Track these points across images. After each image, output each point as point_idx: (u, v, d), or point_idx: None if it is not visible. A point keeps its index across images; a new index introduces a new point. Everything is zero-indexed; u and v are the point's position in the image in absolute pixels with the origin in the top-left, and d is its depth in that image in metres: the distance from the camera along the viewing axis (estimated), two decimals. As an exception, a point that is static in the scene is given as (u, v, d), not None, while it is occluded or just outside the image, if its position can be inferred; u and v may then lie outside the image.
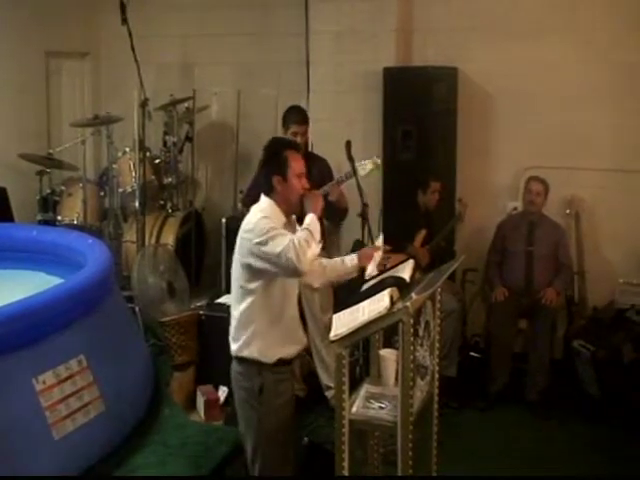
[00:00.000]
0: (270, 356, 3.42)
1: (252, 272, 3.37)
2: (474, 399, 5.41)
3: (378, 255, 3.55)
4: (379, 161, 4.79)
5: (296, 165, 3.44)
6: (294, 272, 3.28)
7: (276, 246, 3.23)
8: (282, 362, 3.46)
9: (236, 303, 3.50)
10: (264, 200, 3.47)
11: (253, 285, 3.39)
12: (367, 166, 4.71)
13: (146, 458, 4.19)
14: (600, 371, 5.13)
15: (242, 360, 3.48)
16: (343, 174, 4.98)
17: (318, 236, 3.34)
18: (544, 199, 5.62)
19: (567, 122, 5.80)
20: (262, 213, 3.38)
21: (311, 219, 3.38)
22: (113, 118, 6.35)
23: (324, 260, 3.63)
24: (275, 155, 3.48)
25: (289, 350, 3.50)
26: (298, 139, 5.13)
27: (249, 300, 3.42)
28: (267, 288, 3.39)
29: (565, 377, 5.43)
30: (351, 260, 3.58)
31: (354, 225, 5.01)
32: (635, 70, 5.62)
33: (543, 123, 5.87)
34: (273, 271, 3.31)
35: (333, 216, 5.27)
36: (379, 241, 3.69)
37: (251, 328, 3.44)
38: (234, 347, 3.51)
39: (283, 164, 3.42)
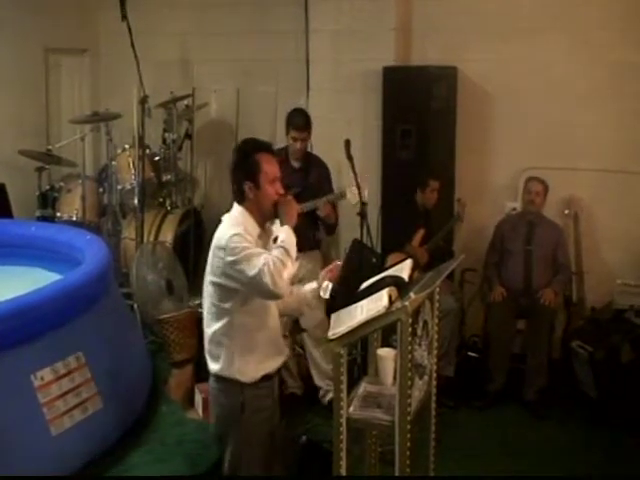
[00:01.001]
0: (252, 375, 3.25)
1: (225, 291, 3.18)
2: (472, 399, 5.41)
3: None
4: (365, 194, 4.63)
5: (269, 169, 3.20)
6: (270, 296, 3.12)
7: (250, 268, 3.02)
8: (265, 378, 3.30)
9: (209, 321, 3.28)
10: (236, 209, 3.27)
11: (227, 305, 3.19)
12: (357, 196, 4.62)
13: (143, 455, 4.19)
14: (598, 372, 5.13)
15: (222, 379, 3.29)
16: (334, 194, 5.00)
17: (294, 252, 3.15)
18: (543, 199, 5.62)
19: (566, 122, 5.80)
20: (233, 229, 3.14)
21: (286, 233, 3.16)
22: (112, 115, 6.34)
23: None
24: (245, 159, 3.24)
25: (272, 364, 3.34)
26: (298, 145, 5.11)
27: (224, 320, 3.22)
28: (244, 305, 3.19)
29: (563, 377, 5.43)
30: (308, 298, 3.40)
31: (353, 224, 5.01)
32: (634, 70, 5.62)
33: (542, 123, 5.87)
34: (247, 292, 3.14)
35: (323, 226, 5.28)
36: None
37: (229, 349, 3.24)
38: (213, 367, 3.30)
39: (254, 169, 3.19)
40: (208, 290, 3.26)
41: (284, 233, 3.17)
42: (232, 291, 3.15)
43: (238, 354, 3.23)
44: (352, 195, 4.73)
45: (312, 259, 5.20)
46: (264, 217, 3.25)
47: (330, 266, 3.41)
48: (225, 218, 3.27)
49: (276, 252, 3.08)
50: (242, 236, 3.10)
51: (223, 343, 3.24)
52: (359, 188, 4.56)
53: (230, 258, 3.08)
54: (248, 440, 3.31)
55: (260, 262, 3.02)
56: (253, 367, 3.25)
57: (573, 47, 5.76)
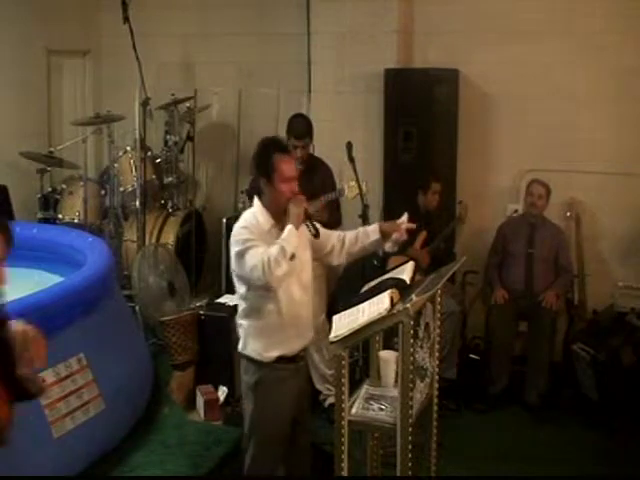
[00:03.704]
0: (267, 356, 3.44)
1: (239, 278, 3.44)
2: (473, 401, 5.40)
3: (399, 232, 3.54)
4: (364, 187, 4.72)
5: (285, 168, 3.41)
6: (265, 287, 3.32)
7: (247, 261, 3.27)
8: (284, 359, 3.46)
9: (238, 305, 3.58)
10: (255, 203, 3.51)
11: (242, 290, 3.45)
12: (354, 189, 4.68)
13: (145, 457, 4.19)
14: (600, 374, 5.13)
15: (243, 356, 3.54)
16: (332, 193, 4.99)
17: (291, 249, 3.26)
18: (546, 202, 5.61)
19: (567, 125, 5.80)
20: (243, 222, 3.41)
21: (288, 232, 3.31)
22: (114, 117, 6.34)
23: (343, 234, 3.63)
24: (263, 158, 3.46)
25: (289, 346, 3.48)
26: (298, 152, 5.08)
27: (243, 304, 3.50)
28: (257, 291, 3.39)
29: (564, 380, 5.43)
30: (373, 230, 3.58)
31: (355, 226, 5.01)
32: (636, 73, 5.62)
33: (543, 125, 5.87)
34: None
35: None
36: (403, 219, 3.61)
37: (246, 330, 3.50)
38: (239, 346, 3.56)
39: (270, 167, 3.40)
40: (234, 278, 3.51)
41: (286, 231, 3.31)
42: (243, 278, 3.40)
43: (252, 335, 3.47)
44: (349, 189, 4.74)
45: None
46: (278, 212, 3.42)
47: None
48: (244, 212, 3.53)
49: (274, 250, 3.24)
50: (248, 229, 3.36)
51: (242, 325, 3.52)
52: (361, 191, 4.56)
53: (235, 249, 3.35)
54: (262, 420, 3.49)
55: (257, 257, 3.24)
56: (268, 348, 3.43)
57: (574, 50, 5.76)
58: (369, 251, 3.71)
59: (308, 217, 3.43)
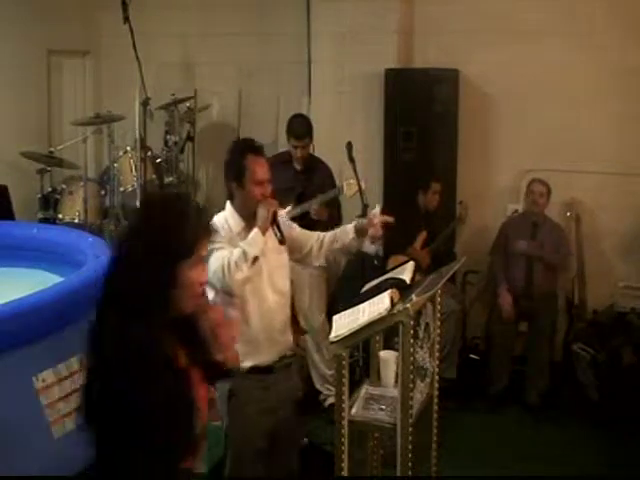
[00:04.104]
0: (242, 366, 3.22)
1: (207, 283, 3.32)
2: (474, 401, 5.41)
3: (374, 228, 3.36)
4: (363, 185, 4.70)
5: (257, 170, 3.28)
6: (226, 291, 3.21)
7: (212, 264, 3.12)
8: (257, 369, 3.31)
9: None
10: (227, 206, 3.40)
11: (211, 295, 3.28)
12: (353, 187, 4.66)
13: (145, 457, 4.18)
14: (600, 374, 5.13)
15: None
16: (330, 192, 4.99)
17: (254, 252, 3.16)
18: (547, 200, 5.61)
19: (568, 124, 5.80)
20: (216, 222, 3.28)
21: (252, 235, 3.22)
22: (114, 117, 6.34)
23: (323, 235, 3.51)
24: (234, 159, 3.34)
25: (261, 357, 3.33)
26: (298, 153, 5.09)
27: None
28: (225, 297, 3.25)
29: (565, 380, 5.43)
30: (351, 228, 3.44)
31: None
32: (635, 73, 5.62)
33: (544, 125, 5.88)
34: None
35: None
36: (374, 211, 3.46)
37: None
38: None
39: (242, 169, 3.28)
40: None
41: (251, 235, 3.23)
42: (210, 283, 3.19)
43: None
44: (348, 187, 4.74)
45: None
46: (249, 215, 3.31)
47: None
48: (217, 214, 3.40)
49: (235, 253, 3.17)
50: (216, 232, 3.18)
51: None
52: (361, 191, 4.56)
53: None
54: (235, 434, 3.37)
55: (219, 260, 3.15)
56: (241, 357, 3.21)
57: (575, 50, 5.76)
58: (351, 249, 3.51)
59: (275, 221, 3.31)
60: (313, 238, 3.51)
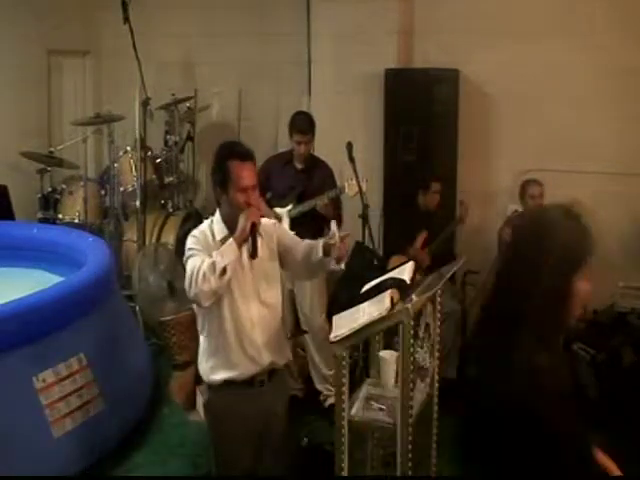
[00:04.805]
0: (213, 378, 3.20)
1: None
2: (473, 401, 5.39)
3: (335, 248, 3.10)
4: (364, 186, 4.74)
5: (241, 176, 3.07)
6: (193, 300, 3.06)
7: (186, 271, 3.02)
8: (233, 384, 3.17)
9: None
10: (216, 211, 3.24)
11: (193, 305, 3.18)
12: (354, 187, 4.69)
13: (145, 457, 4.20)
14: (600, 374, 5.13)
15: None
16: (332, 191, 4.99)
17: (224, 263, 2.96)
18: (543, 199, 5.59)
19: (568, 125, 5.80)
20: (197, 229, 3.18)
21: (226, 246, 3.03)
22: (114, 117, 6.35)
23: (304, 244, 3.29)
24: (218, 165, 3.14)
25: (236, 371, 3.16)
26: (302, 148, 5.09)
27: (198, 318, 3.27)
28: (201, 308, 3.14)
29: (564, 380, 5.42)
30: (319, 248, 3.17)
31: (355, 226, 5.01)
32: (635, 73, 5.62)
33: (544, 125, 5.87)
34: None
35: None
36: (332, 231, 3.15)
37: (201, 345, 3.28)
38: None
39: (224, 176, 3.10)
40: None
41: (225, 245, 3.04)
42: None
43: (203, 353, 3.26)
44: (349, 186, 4.76)
45: None
46: (232, 223, 3.12)
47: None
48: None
49: (205, 263, 2.97)
50: (195, 238, 3.14)
51: (199, 342, 3.31)
52: (361, 191, 4.57)
53: (183, 258, 3.14)
54: (215, 447, 3.29)
55: (189, 268, 3.01)
56: (214, 369, 3.19)
57: (575, 50, 5.76)
58: (324, 268, 3.28)
59: (254, 232, 3.09)
60: (300, 246, 3.29)
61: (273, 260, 3.26)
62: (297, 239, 3.38)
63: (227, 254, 2.99)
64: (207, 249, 3.08)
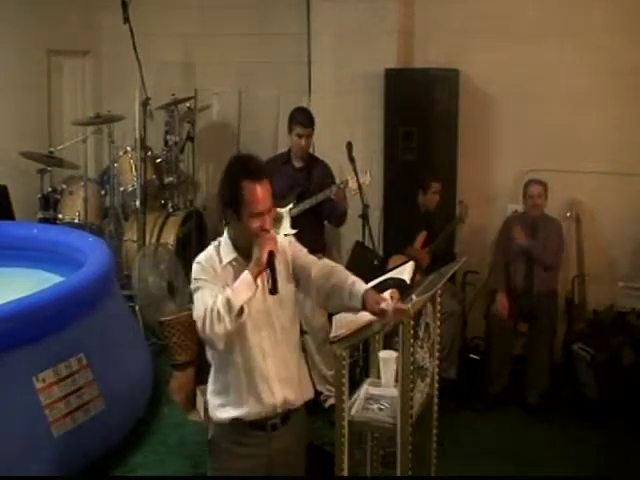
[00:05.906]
0: (218, 415, 2.89)
1: None
2: (473, 401, 5.40)
3: (388, 304, 2.73)
4: (368, 178, 4.84)
5: (254, 201, 2.70)
6: (207, 342, 2.73)
7: (196, 306, 2.72)
8: (240, 423, 2.84)
9: None
10: (225, 231, 2.90)
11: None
12: (356, 183, 4.78)
13: (145, 457, 4.21)
14: (600, 374, 5.13)
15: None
16: (337, 185, 4.99)
17: (241, 301, 2.63)
18: (545, 199, 5.58)
19: (568, 124, 5.80)
20: (201, 256, 2.84)
21: (240, 281, 2.67)
22: (114, 117, 6.35)
23: (325, 266, 2.91)
24: (228, 184, 2.78)
25: (242, 410, 2.84)
26: (302, 142, 5.11)
27: (207, 352, 2.93)
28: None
29: (565, 380, 5.42)
30: (357, 299, 2.76)
31: (355, 226, 5.02)
32: (635, 73, 5.62)
33: (544, 125, 5.87)
34: None
35: (332, 219, 5.28)
36: (386, 295, 2.80)
37: (209, 380, 2.98)
38: None
39: (236, 197, 2.73)
40: None
41: (239, 280, 2.68)
42: None
43: (210, 392, 2.96)
44: (352, 181, 4.79)
45: None
46: (243, 247, 2.80)
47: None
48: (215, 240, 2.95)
49: (219, 302, 2.64)
50: (200, 265, 2.80)
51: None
52: (361, 191, 4.58)
53: (190, 287, 2.84)
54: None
55: (201, 305, 2.69)
56: (223, 406, 2.88)
57: (575, 50, 5.76)
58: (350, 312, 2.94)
59: (271, 264, 2.71)
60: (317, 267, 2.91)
61: (289, 282, 2.89)
62: (313, 258, 2.95)
63: (242, 291, 2.65)
64: (215, 277, 2.76)
